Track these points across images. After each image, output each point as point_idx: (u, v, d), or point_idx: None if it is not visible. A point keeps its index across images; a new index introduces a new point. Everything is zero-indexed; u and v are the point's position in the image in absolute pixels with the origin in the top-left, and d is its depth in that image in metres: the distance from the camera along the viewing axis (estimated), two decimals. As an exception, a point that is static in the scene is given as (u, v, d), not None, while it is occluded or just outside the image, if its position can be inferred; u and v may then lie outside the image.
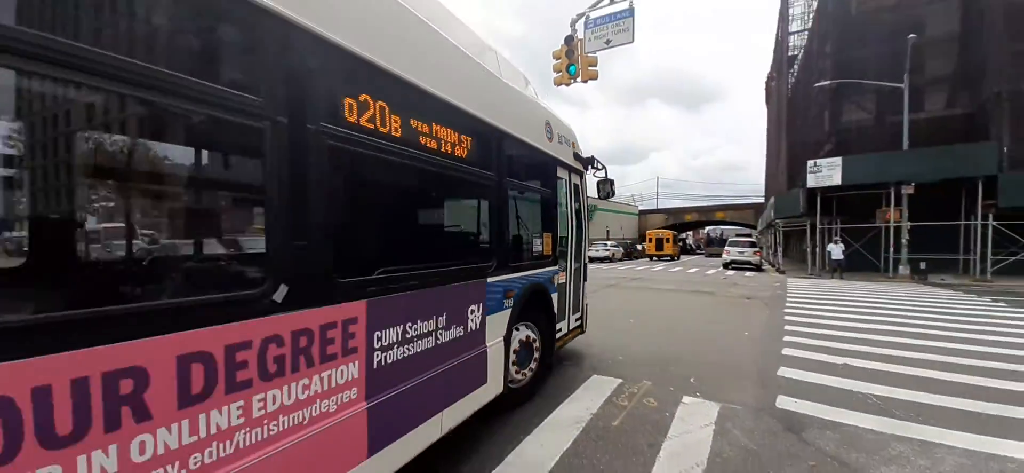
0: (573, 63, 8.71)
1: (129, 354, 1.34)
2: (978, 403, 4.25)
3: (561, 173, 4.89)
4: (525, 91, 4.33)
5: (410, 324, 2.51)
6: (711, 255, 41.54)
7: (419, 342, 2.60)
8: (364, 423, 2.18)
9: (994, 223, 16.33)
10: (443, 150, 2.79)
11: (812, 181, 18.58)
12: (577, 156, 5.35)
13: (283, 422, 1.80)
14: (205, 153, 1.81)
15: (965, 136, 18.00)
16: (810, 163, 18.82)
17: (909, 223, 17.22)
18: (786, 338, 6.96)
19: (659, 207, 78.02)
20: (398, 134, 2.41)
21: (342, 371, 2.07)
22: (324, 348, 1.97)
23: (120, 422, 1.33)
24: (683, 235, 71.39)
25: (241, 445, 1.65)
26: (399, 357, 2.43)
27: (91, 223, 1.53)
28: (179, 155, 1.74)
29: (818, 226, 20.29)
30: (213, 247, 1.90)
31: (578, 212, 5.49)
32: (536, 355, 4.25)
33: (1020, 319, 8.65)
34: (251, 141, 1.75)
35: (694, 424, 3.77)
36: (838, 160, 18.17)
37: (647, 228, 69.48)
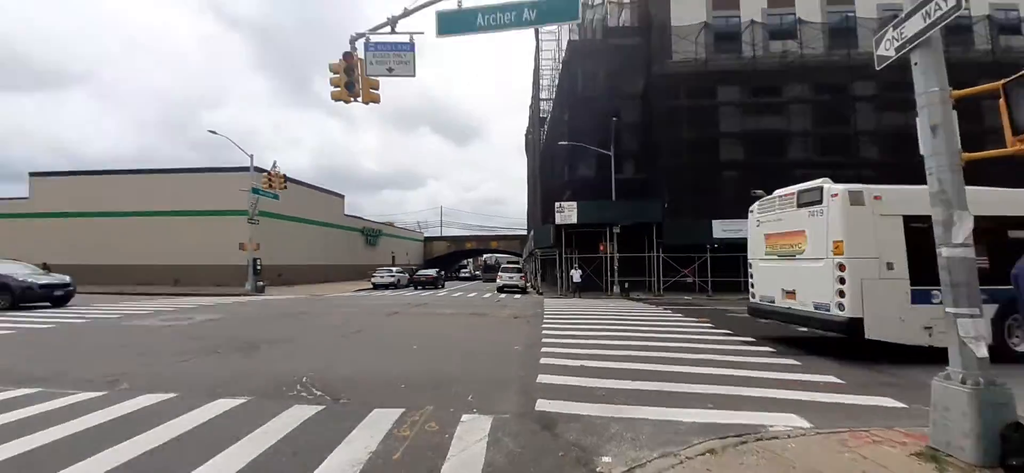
0: (352, 81, 8.34)
1: None
2: (662, 383, 5.88)
3: None
4: None
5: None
6: (487, 281, 45.66)
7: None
8: None
9: (662, 255, 23.65)
10: None
11: (558, 219, 23.42)
12: None
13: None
14: None
15: (644, 193, 25.55)
16: (557, 205, 23.61)
17: (618, 254, 23.36)
18: (543, 349, 8.17)
19: (443, 235, 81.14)
20: None
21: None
22: None
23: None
24: (464, 262, 75.80)
25: None
26: None
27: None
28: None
29: (564, 255, 25.01)
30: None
31: None
32: None
33: (681, 320, 12.57)
34: None
35: (471, 440, 3.95)
36: (574, 204, 23.31)
37: (433, 254, 71.49)
